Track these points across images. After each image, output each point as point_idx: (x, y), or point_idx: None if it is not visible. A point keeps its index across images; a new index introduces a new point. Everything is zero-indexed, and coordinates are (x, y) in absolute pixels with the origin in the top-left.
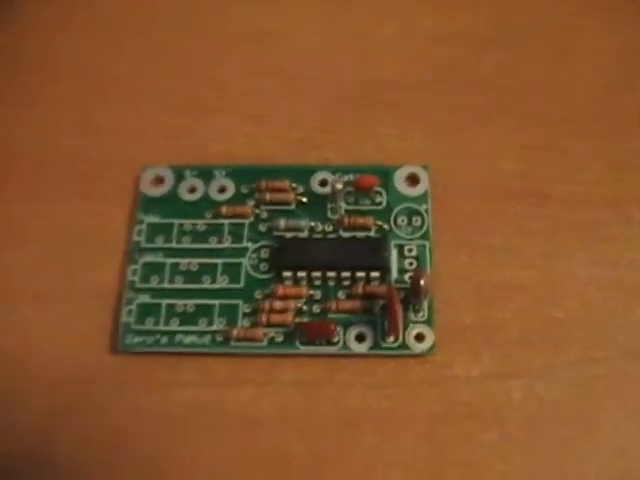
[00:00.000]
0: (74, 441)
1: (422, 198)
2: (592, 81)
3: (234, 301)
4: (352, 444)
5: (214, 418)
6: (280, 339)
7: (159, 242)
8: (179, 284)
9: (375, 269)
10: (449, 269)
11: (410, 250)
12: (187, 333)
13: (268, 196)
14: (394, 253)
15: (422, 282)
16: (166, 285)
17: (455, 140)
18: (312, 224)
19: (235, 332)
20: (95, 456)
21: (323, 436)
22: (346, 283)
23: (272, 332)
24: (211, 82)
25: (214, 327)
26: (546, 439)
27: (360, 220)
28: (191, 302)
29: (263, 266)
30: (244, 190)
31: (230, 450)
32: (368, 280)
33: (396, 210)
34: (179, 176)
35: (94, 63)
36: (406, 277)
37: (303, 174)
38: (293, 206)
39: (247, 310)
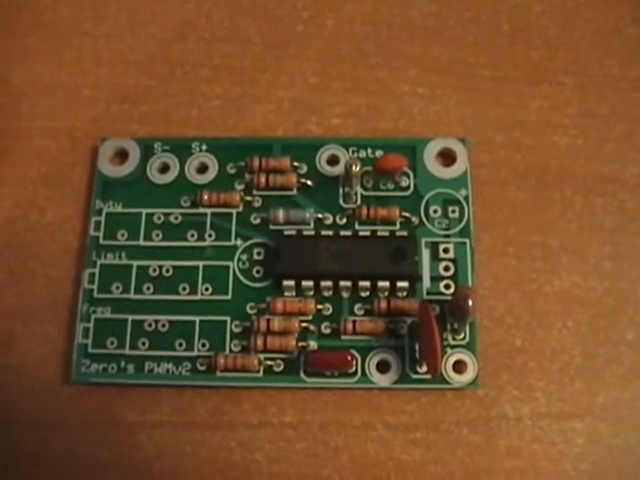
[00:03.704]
0: None
1: (460, 181)
2: None
3: (220, 317)
4: None
5: (191, 470)
6: (280, 368)
7: (122, 238)
8: (148, 294)
9: (402, 278)
10: (493, 275)
11: (446, 250)
12: (159, 359)
13: (262, 178)
14: (426, 254)
15: (470, 302)
16: (132, 295)
17: (500, 105)
18: (319, 216)
19: (222, 359)
20: None
21: None
22: (364, 295)
23: (269, 360)
24: (175, 31)
25: (194, 352)
26: None
27: (382, 211)
28: (164, 318)
29: (257, 271)
30: (230, 170)
31: None
32: (393, 292)
33: (427, 197)
34: (147, 151)
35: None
36: (441, 286)
37: (306, 149)
38: (294, 191)
39: (237, 330)
